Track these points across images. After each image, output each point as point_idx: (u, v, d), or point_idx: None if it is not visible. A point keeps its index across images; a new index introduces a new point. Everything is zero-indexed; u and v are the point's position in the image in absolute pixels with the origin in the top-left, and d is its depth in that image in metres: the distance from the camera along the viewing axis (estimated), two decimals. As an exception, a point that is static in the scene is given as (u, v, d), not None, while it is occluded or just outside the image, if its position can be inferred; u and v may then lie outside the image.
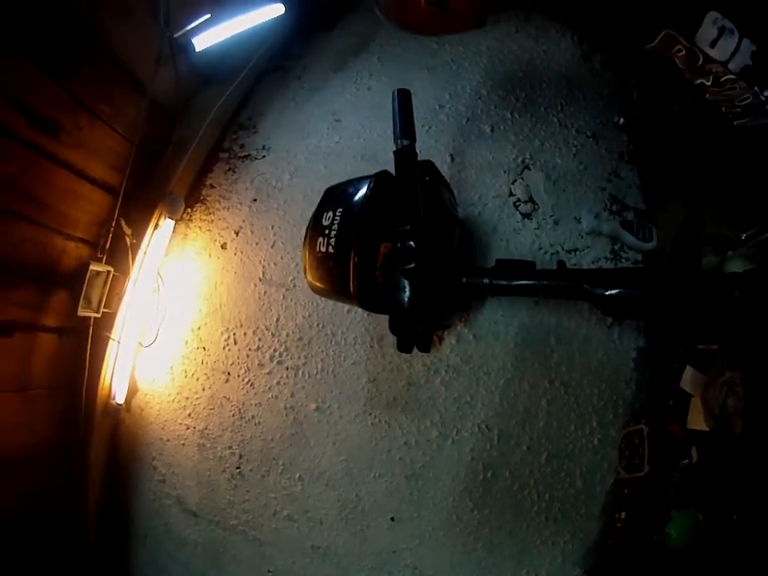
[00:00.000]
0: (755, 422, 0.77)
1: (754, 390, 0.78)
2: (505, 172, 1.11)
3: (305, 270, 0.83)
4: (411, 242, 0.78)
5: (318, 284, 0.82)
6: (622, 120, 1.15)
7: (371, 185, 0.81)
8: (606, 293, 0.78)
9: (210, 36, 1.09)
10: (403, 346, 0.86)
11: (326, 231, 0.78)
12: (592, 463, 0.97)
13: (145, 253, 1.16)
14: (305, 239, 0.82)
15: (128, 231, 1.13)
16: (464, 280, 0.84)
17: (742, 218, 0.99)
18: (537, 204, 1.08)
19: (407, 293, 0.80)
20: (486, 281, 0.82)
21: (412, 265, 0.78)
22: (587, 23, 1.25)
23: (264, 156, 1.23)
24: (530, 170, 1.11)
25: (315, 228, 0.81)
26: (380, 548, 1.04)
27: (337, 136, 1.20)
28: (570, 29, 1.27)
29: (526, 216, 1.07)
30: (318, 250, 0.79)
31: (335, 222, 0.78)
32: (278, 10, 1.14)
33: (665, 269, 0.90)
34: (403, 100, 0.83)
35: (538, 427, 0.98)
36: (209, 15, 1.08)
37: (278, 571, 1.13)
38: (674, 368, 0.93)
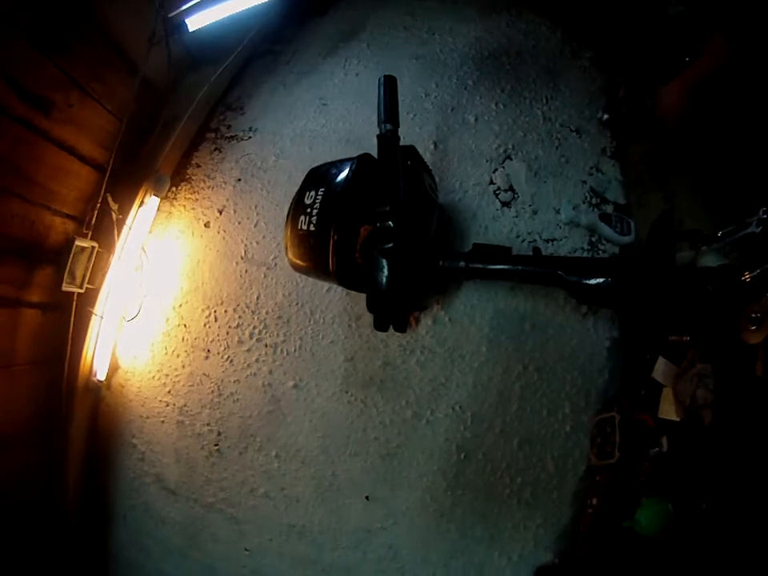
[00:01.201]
0: (725, 414, 0.79)
1: (725, 382, 0.80)
2: (487, 161, 1.12)
3: (286, 247, 0.84)
4: (390, 223, 0.79)
5: (299, 261, 0.83)
6: (605, 116, 1.16)
7: (353, 166, 0.82)
8: (580, 280, 0.79)
9: (203, 17, 1.10)
10: (379, 325, 0.87)
11: (308, 210, 0.79)
12: (564, 449, 0.98)
13: (130, 229, 1.17)
14: (287, 217, 0.83)
15: (114, 207, 1.13)
16: (441, 263, 0.85)
17: (720, 215, 1.02)
18: (517, 193, 1.09)
19: (385, 272, 0.81)
20: (462, 264, 0.84)
21: (390, 245, 0.79)
22: (577, 21, 1.27)
23: (250, 137, 1.24)
24: (511, 159, 1.12)
25: (297, 207, 0.82)
26: (355, 526, 1.05)
27: (323, 119, 1.21)
28: (560, 26, 1.29)
29: (506, 204, 1.08)
30: (299, 228, 0.80)
31: (317, 201, 0.79)
32: None
33: (639, 260, 0.92)
34: (389, 86, 0.85)
35: (511, 411, 0.99)
36: (201, -5, 1.09)
37: (254, 549, 1.14)
38: (646, 358, 0.94)
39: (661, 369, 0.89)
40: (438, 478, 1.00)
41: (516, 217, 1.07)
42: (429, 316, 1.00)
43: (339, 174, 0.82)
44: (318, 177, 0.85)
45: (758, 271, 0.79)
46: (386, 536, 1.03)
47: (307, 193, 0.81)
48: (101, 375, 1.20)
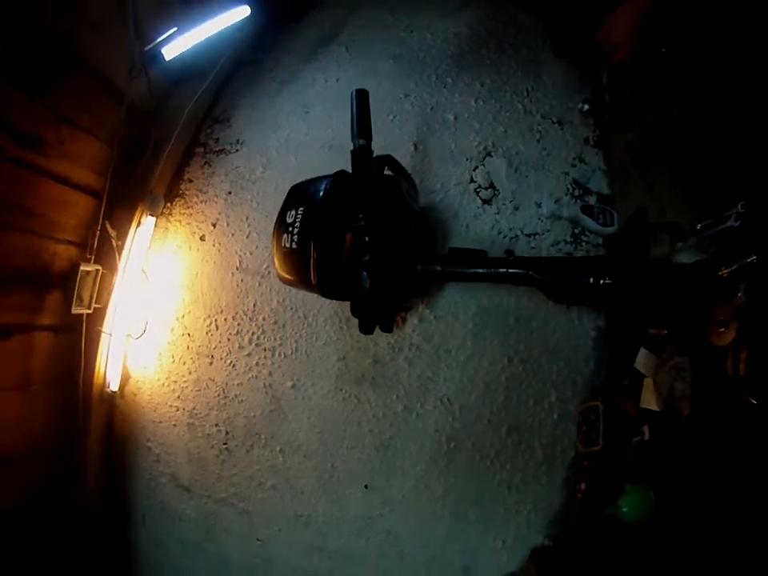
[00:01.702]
0: (703, 406, 0.81)
1: (702, 375, 0.82)
2: (467, 159, 1.15)
3: (274, 263, 0.90)
4: (366, 237, 0.84)
5: (286, 276, 0.89)
6: (586, 107, 1.16)
7: (328, 185, 0.87)
8: (551, 280, 0.82)
9: (178, 45, 1.14)
10: (365, 328, 0.93)
11: (290, 228, 0.85)
12: (552, 437, 1.02)
13: (129, 250, 1.24)
14: (273, 235, 0.89)
15: (113, 233, 1.20)
16: (419, 267, 0.90)
17: (702, 206, 1.03)
18: (497, 190, 1.12)
19: (365, 281, 0.86)
20: (439, 268, 0.88)
21: (367, 257, 0.84)
22: (558, 10, 1.27)
23: (237, 150, 1.29)
24: (492, 156, 1.15)
25: (280, 225, 0.88)
26: (356, 515, 1.12)
27: (306, 128, 1.25)
28: (541, 16, 1.29)
29: (486, 202, 1.11)
30: (283, 245, 0.86)
31: (297, 219, 0.85)
32: (244, 12, 1.19)
33: (611, 257, 0.95)
34: (360, 100, 0.89)
35: (497, 402, 1.04)
36: (176, 29, 1.12)
37: (265, 539, 1.22)
38: (629, 349, 0.96)
39: (642, 360, 0.92)
40: (431, 467, 1.06)
41: (497, 214, 1.10)
42: (415, 315, 1.05)
43: (316, 193, 0.87)
44: (298, 195, 0.91)
45: (735, 267, 0.81)
46: (385, 522, 1.10)
47: (288, 212, 0.87)
48: (114, 386, 1.28)
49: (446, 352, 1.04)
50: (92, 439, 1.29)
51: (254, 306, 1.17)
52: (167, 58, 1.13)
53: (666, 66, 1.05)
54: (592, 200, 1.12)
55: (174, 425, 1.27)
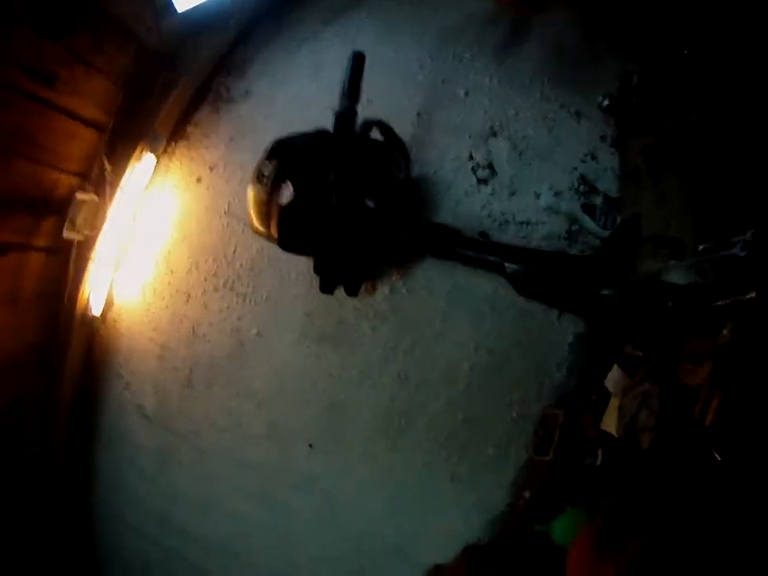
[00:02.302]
0: (663, 444, 0.75)
1: (669, 410, 0.75)
2: (470, 136, 1.11)
3: (248, 213, 0.91)
4: (333, 195, 0.85)
5: (254, 225, 0.91)
6: (606, 102, 1.10)
7: (305, 140, 0.89)
8: (521, 271, 0.80)
9: None
10: (324, 287, 0.94)
11: (263, 179, 0.86)
12: (507, 435, 0.99)
13: (126, 184, 1.28)
14: (249, 185, 0.89)
15: (108, 167, 1.24)
16: (388, 235, 0.89)
17: (710, 227, 0.97)
18: (496, 171, 1.08)
19: (328, 240, 0.87)
20: (407, 239, 0.88)
21: (330, 216, 0.85)
22: (598, 5, 1.22)
23: (246, 100, 1.30)
24: (496, 137, 1.10)
25: (257, 176, 0.89)
26: (298, 470, 1.14)
27: (315, 87, 1.25)
28: (578, 7, 1.25)
29: (482, 181, 1.08)
30: (255, 195, 0.87)
31: (271, 172, 0.86)
32: None
33: (591, 259, 0.91)
34: (356, 63, 0.91)
35: (457, 387, 1.02)
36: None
37: (213, 479, 1.26)
38: (604, 364, 0.90)
39: (613, 378, 0.87)
40: (378, 439, 1.06)
41: (491, 195, 1.07)
42: (387, 284, 1.05)
43: (292, 147, 0.88)
44: (276, 148, 0.91)
45: (729, 300, 0.73)
46: (325, 484, 1.11)
47: (266, 163, 0.88)
48: (96, 310, 1.33)
49: (413, 326, 1.03)
50: (70, 356, 1.35)
51: (235, 250, 1.20)
52: (179, 9, 1.15)
53: (687, 68, 1.01)
54: (598, 200, 1.06)
55: (146, 355, 1.31)
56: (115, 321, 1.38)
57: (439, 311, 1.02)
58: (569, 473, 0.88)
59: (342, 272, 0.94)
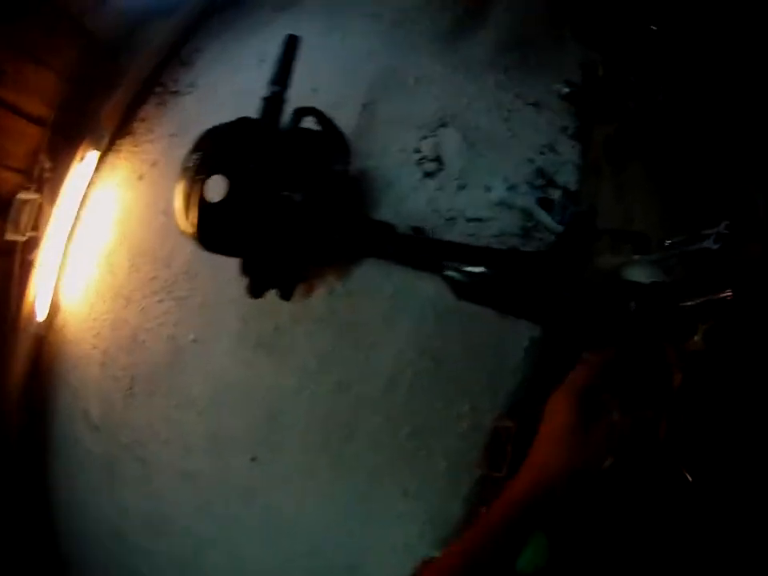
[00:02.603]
0: (625, 464, 0.69)
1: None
2: (417, 127, 1.03)
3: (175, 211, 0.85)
4: (252, 187, 0.78)
5: (180, 224, 0.83)
6: (566, 90, 1.02)
7: (227, 129, 0.81)
8: (459, 271, 0.71)
9: None
10: (253, 290, 0.86)
11: (188, 174, 0.80)
12: (459, 448, 0.90)
13: (70, 182, 1.23)
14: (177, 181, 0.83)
15: (47, 165, 1.19)
16: (315, 233, 0.81)
17: (679, 220, 0.88)
18: (444, 164, 1.00)
19: (256, 238, 0.80)
20: (337, 236, 0.80)
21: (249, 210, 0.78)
22: None
23: (190, 92, 1.24)
24: (446, 127, 1.02)
25: (182, 170, 0.82)
26: (239, 483, 1.06)
27: (258, 77, 1.17)
28: None
29: (428, 175, 0.99)
30: (181, 191, 0.80)
31: (193, 164, 0.80)
32: None
33: (540, 256, 0.82)
34: (289, 46, 0.85)
35: (400, 398, 0.93)
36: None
37: (158, 493, 1.20)
38: (561, 370, 0.85)
39: None
40: (318, 453, 0.97)
41: (438, 189, 0.99)
42: (324, 287, 0.97)
43: (212, 138, 0.81)
44: (202, 139, 0.84)
45: (701, 300, 0.62)
46: (266, 497, 1.03)
47: (190, 156, 0.81)
48: (41, 316, 1.29)
49: (351, 332, 0.95)
50: (17, 363, 1.30)
51: (172, 251, 1.13)
52: None
53: (654, 45, 0.91)
54: (556, 194, 0.98)
55: (90, 362, 1.25)
56: (63, 327, 1.33)
57: (380, 315, 0.93)
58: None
59: (272, 273, 0.87)
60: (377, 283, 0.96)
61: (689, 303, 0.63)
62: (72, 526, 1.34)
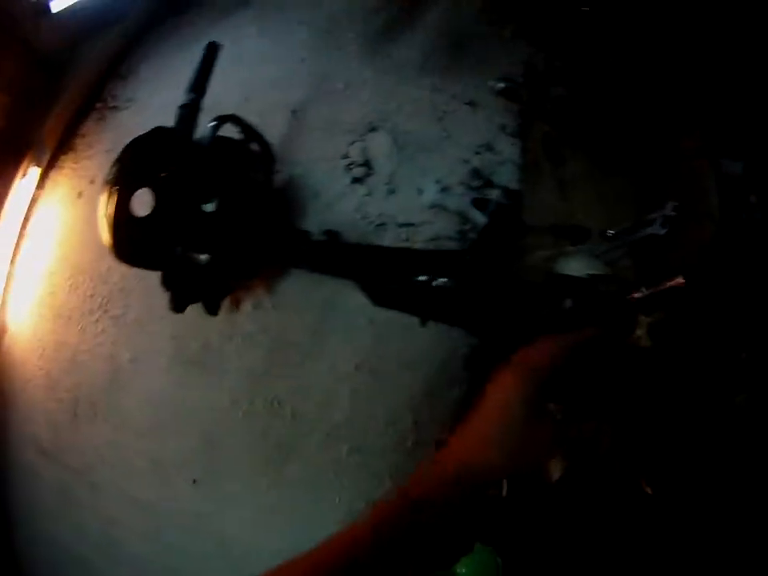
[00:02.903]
0: (577, 475, 0.61)
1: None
2: (346, 132, 1.00)
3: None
4: (167, 196, 0.75)
5: (102, 238, 0.80)
6: (500, 85, 0.98)
7: (142, 139, 0.78)
8: (372, 276, 0.67)
9: None
10: (175, 305, 0.83)
11: (106, 186, 0.77)
12: (405, 465, 0.85)
13: (12, 200, 1.21)
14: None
15: None
16: (231, 246, 0.78)
17: (623, 210, 0.83)
18: (373, 169, 0.96)
19: (175, 251, 0.77)
20: (252, 245, 0.77)
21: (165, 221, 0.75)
22: None
23: (128, 107, 1.22)
24: (376, 131, 0.99)
25: (103, 184, 0.79)
26: (187, 508, 1.02)
27: (194, 88, 1.17)
28: None
29: (357, 181, 0.96)
30: (102, 204, 0.77)
31: (112, 176, 0.77)
32: None
33: (459, 254, 0.78)
34: (208, 54, 0.82)
35: (338, 414, 0.88)
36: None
37: (107, 517, 1.15)
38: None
39: None
40: (258, 474, 0.93)
41: (367, 195, 0.95)
42: (251, 300, 0.93)
43: (133, 149, 0.78)
44: (122, 152, 0.81)
45: (649, 291, 0.56)
46: (215, 522, 0.98)
47: (111, 169, 0.78)
48: (-13, 336, 1.26)
49: (282, 347, 0.91)
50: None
51: (108, 268, 1.10)
52: (54, 9, 1.09)
53: (585, 26, 0.88)
54: (495, 194, 0.94)
55: (36, 385, 1.22)
56: (11, 349, 1.30)
57: (310, 328, 0.90)
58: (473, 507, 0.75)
59: (193, 287, 0.83)
60: (305, 295, 0.92)
61: (636, 295, 0.58)
62: (35, 553, 1.30)
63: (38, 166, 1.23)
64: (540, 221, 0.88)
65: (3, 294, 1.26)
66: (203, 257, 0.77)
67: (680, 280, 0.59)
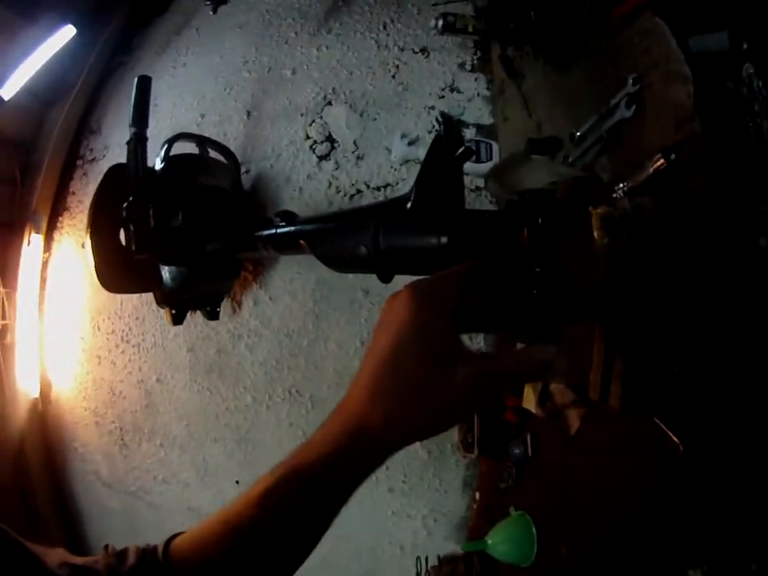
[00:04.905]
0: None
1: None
2: (302, 115, 1.03)
3: None
4: (133, 227, 0.82)
5: (92, 274, 0.88)
6: (440, 23, 0.92)
7: (102, 180, 0.88)
8: (320, 241, 0.65)
9: (14, 82, 1.16)
10: (174, 319, 0.89)
11: (86, 228, 0.86)
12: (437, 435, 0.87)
13: (24, 267, 1.32)
14: None
15: None
16: (207, 248, 0.83)
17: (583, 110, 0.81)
18: (336, 141, 0.99)
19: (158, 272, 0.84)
20: (221, 246, 0.81)
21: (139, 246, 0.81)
22: None
23: (105, 155, 1.31)
24: (331, 105, 1.01)
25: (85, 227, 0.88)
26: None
27: (154, 121, 1.20)
28: None
29: (323, 158, 0.98)
30: (86, 243, 0.86)
31: (88, 219, 0.86)
32: (69, 32, 1.19)
33: (399, 202, 0.72)
34: (140, 88, 0.88)
35: None
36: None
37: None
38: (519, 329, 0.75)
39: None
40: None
41: (336, 169, 0.98)
42: (250, 297, 0.98)
43: (100, 192, 0.88)
44: (92, 199, 0.90)
45: (629, 186, 0.54)
46: None
47: (89, 212, 0.88)
48: (34, 393, 1.38)
49: (287, 337, 0.95)
50: (27, 446, 1.39)
51: (121, 303, 1.19)
52: (6, 98, 1.17)
53: None
54: (470, 133, 0.91)
55: (86, 424, 1.34)
56: (58, 399, 1.42)
57: (309, 313, 0.93)
58: (501, 469, 0.73)
59: (186, 299, 0.89)
60: (297, 282, 0.96)
61: (613, 196, 0.54)
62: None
63: (38, 232, 1.34)
64: (515, 146, 0.87)
65: (40, 353, 1.38)
66: (182, 268, 0.82)
67: (661, 161, 0.56)
